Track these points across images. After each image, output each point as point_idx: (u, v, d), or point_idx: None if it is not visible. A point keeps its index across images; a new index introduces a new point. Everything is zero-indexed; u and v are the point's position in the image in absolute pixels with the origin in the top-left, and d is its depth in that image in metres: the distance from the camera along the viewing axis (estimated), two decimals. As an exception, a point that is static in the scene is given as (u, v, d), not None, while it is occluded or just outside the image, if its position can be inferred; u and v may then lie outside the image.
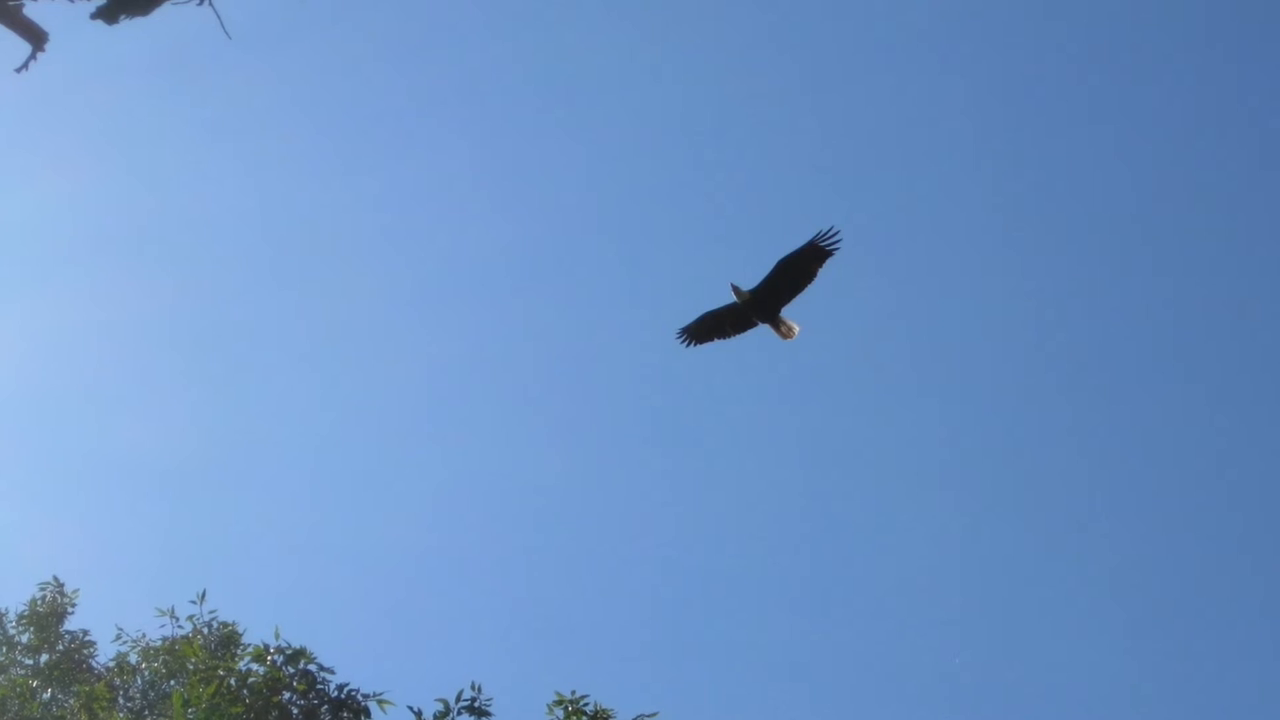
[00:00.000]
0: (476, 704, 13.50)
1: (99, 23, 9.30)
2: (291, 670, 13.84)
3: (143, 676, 15.03)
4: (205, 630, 15.15)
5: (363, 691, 13.94)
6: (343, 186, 20.17)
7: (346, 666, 14.21)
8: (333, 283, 20.04)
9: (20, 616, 15.45)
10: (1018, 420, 19.39)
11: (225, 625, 15.19)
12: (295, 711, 13.68)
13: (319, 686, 13.92)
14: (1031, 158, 20.44)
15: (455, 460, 19.45)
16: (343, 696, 13.91)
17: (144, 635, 15.25)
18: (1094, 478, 19.18)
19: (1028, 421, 19.39)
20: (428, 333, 20.12)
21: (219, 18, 9.23)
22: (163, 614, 15.21)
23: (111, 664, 15.20)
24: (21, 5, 9.14)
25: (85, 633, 15.64)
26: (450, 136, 20.55)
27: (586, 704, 13.24)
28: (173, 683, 14.59)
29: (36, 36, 9.19)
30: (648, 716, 12.86)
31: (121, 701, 14.84)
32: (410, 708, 13.41)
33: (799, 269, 12.66)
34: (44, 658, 15.31)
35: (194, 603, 15.32)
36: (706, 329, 13.13)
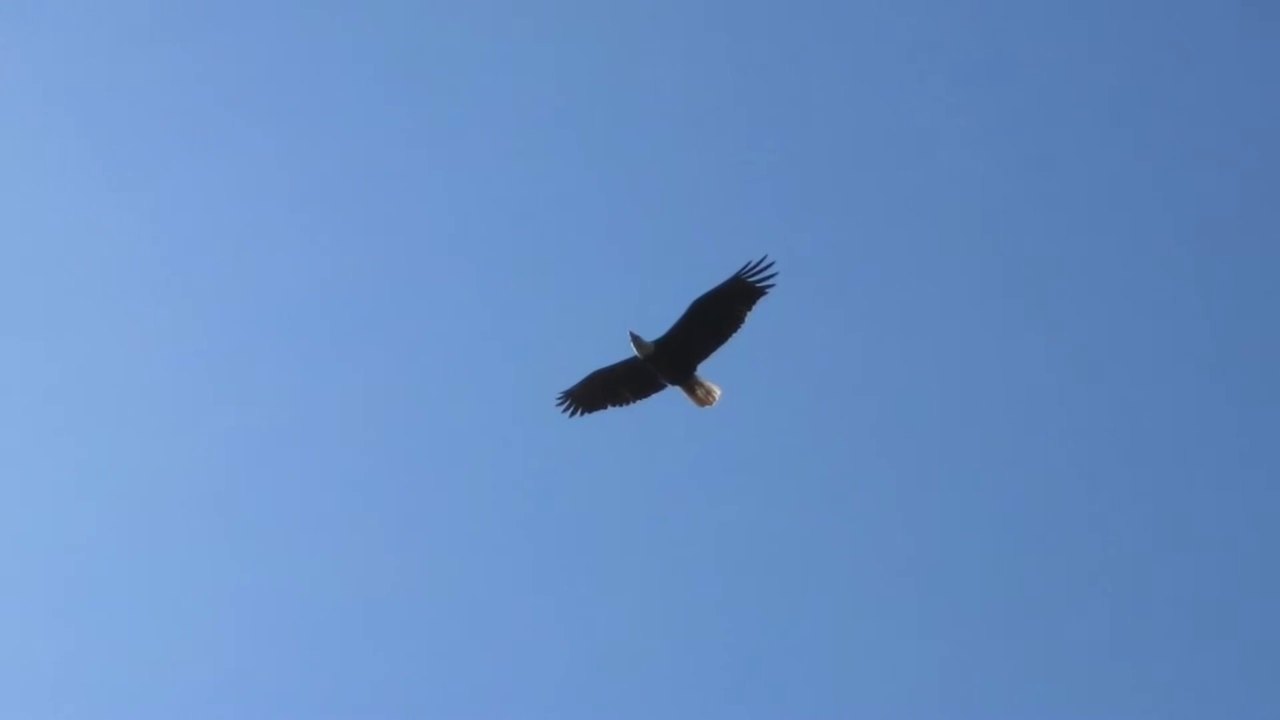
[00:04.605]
0: None
1: None
2: None
3: None
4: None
5: None
6: (111, 202, 18.58)
7: None
8: (91, 328, 18.24)
9: None
10: (1007, 510, 17.50)
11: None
12: None
13: None
14: (1027, 164, 18.93)
15: (259, 567, 17.23)
16: None
17: None
18: (1104, 580, 17.32)
19: (1020, 510, 17.50)
20: (219, 394, 18.21)
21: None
22: None
23: None
24: None
25: None
26: (261, 137, 18.89)
27: None
28: None
29: None
30: None
31: None
32: None
33: (720, 312, 12.02)
34: None
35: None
36: (597, 392, 12.30)
